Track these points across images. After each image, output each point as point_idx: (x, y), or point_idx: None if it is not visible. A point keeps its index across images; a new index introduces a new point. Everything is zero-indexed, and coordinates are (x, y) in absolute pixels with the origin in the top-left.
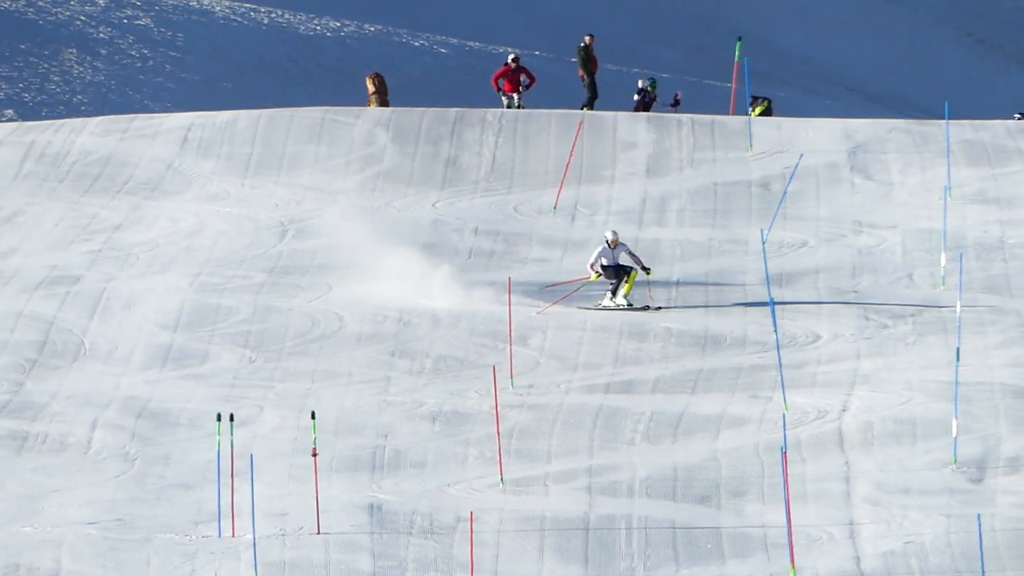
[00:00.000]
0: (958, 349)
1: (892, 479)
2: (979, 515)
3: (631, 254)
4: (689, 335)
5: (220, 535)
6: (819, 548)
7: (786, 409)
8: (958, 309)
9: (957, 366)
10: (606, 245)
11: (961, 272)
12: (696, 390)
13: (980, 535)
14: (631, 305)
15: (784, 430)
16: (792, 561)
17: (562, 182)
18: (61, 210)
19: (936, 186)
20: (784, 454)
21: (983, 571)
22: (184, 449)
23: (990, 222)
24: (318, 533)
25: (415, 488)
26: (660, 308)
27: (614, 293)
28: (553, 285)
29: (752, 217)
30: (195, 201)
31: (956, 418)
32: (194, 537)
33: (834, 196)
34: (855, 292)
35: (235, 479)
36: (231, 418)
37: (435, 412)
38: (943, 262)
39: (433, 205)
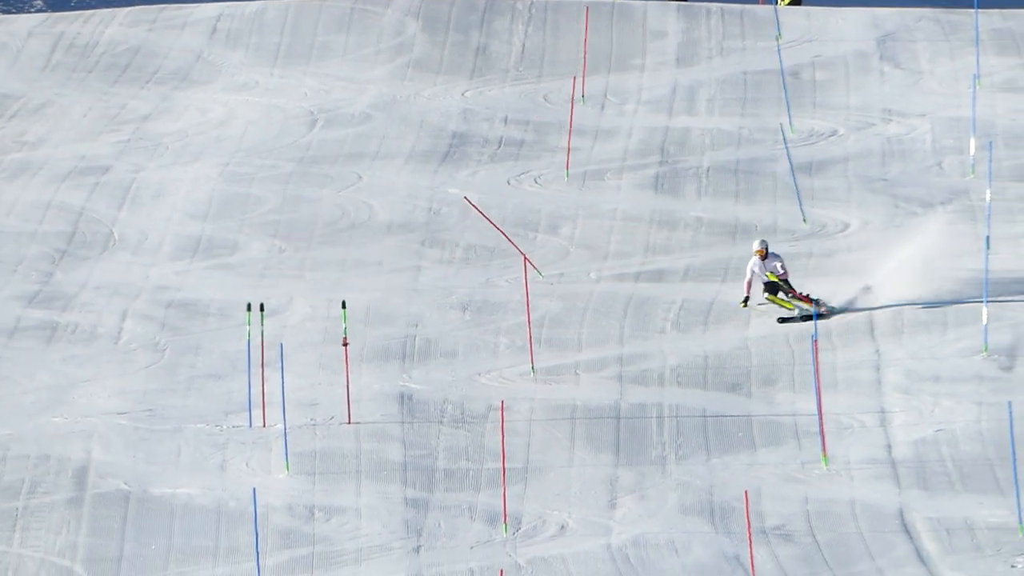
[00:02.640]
0: (988, 237)
1: (923, 367)
2: (1009, 402)
3: (783, 267)
4: (719, 224)
5: (251, 425)
6: (850, 436)
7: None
8: (987, 197)
9: (987, 254)
10: (755, 257)
11: (990, 160)
12: (727, 278)
13: (1011, 422)
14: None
15: (815, 318)
16: (824, 449)
17: (583, 71)
18: (90, 100)
19: (965, 75)
20: (815, 342)
21: (1014, 458)
22: (214, 339)
23: (1019, 110)
24: (349, 423)
25: (446, 377)
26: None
27: (789, 300)
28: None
29: (781, 106)
30: (224, 91)
31: (986, 306)
32: (224, 427)
33: (863, 85)
34: (885, 180)
35: (265, 369)
36: (261, 308)
37: (466, 301)
38: (972, 150)
39: (463, 94)
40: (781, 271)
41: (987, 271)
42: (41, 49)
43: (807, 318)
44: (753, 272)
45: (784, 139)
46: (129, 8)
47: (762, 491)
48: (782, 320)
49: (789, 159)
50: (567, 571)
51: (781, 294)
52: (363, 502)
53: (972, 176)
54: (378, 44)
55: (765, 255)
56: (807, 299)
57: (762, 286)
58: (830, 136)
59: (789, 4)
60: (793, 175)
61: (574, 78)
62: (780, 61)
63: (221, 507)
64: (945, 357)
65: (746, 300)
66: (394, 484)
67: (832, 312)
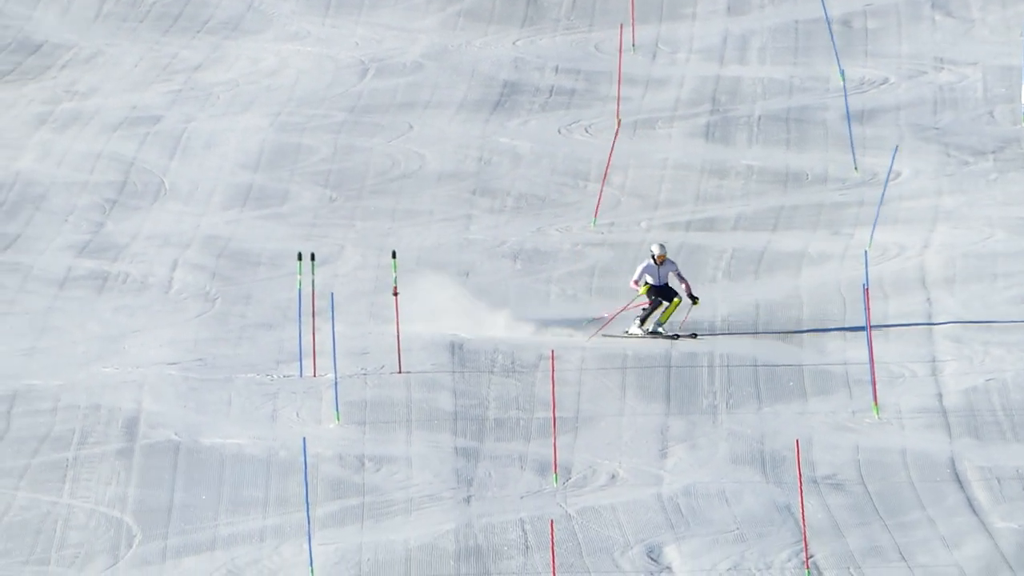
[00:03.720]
0: None
1: (974, 315)
2: None
3: (679, 276)
4: (770, 172)
5: (301, 375)
6: (901, 385)
7: (869, 247)
8: None
9: None
10: (651, 261)
11: None
12: (777, 227)
13: None
14: (661, 333)
15: (866, 266)
16: (875, 398)
17: (633, 20)
18: (141, 50)
19: (1017, 23)
20: (866, 290)
21: None
22: (265, 288)
23: None
24: (399, 372)
25: (497, 326)
26: (695, 335)
27: (643, 320)
28: (598, 318)
29: (833, 54)
30: (275, 41)
31: None
32: (275, 377)
33: (915, 33)
34: (936, 128)
35: (316, 318)
36: (312, 257)
37: (516, 250)
38: None
39: (514, 43)
40: (677, 280)
41: None
42: (91, 0)
43: (674, 337)
44: (646, 277)
45: (844, 85)
46: None
47: (813, 440)
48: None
49: (846, 106)
50: (617, 521)
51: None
52: (413, 451)
53: (1023, 124)
54: None
55: (663, 261)
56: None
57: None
58: (881, 84)
59: None
60: (848, 121)
61: (621, 25)
62: (824, 10)
63: (271, 457)
64: (996, 305)
65: (646, 289)
66: (444, 433)
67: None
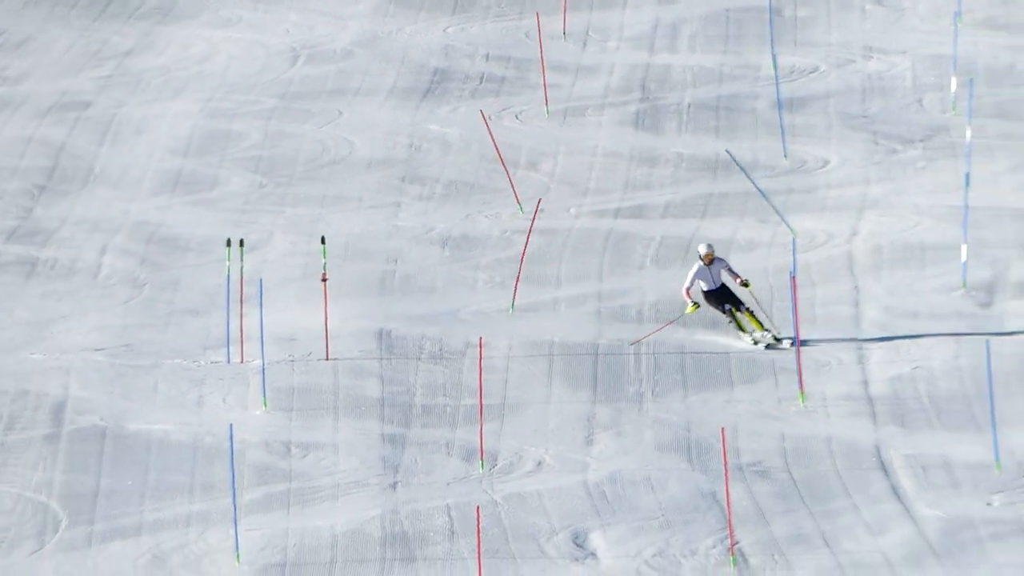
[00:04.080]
0: (967, 174)
1: (901, 303)
2: (988, 340)
3: (731, 271)
4: (700, 159)
5: (229, 361)
6: (828, 373)
7: (795, 234)
8: (968, 134)
9: (966, 191)
10: (700, 263)
11: (971, 97)
12: (706, 214)
13: (989, 359)
14: (776, 339)
15: (794, 254)
16: (801, 386)
17: (565, 8)
18: (72, 36)
19: (947, 12)
20: (793, 278)
21: (991, 395)
22: (193, 274)
23: (1000, 47)
24: (327, 359)
25: (424, 313)
26: (794, 343)
27: (742, 328)
28: (639, 340)
29: (763, 43)
30: (207, 26)
31: (965, 242)
32: (202, 363)
33: (845, 22)
34: (865, 117)
35: (244, 304)
36: (241, 243)
37: (445, 237)
38: (953, 87)
39: (444, 30)
40: (729, 275)
41: (966, 208)
42: None
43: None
44: (699, 283)
45: (776, 72)
46: None
47: (739, 428)
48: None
49: (778, 94)
50: (543, 507)
51: (741, 307)
52: (340, 438)
53: (952, 113)
54: None
55: (712, 260)
56: (756, 319)
57: (708, 295)
58: (811, 73)
59: None
60: (780, 109)
61: (537, 14)
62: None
63: (197, 443)
64: (923, 293)
65: (696, 304)
66: (371, 420)
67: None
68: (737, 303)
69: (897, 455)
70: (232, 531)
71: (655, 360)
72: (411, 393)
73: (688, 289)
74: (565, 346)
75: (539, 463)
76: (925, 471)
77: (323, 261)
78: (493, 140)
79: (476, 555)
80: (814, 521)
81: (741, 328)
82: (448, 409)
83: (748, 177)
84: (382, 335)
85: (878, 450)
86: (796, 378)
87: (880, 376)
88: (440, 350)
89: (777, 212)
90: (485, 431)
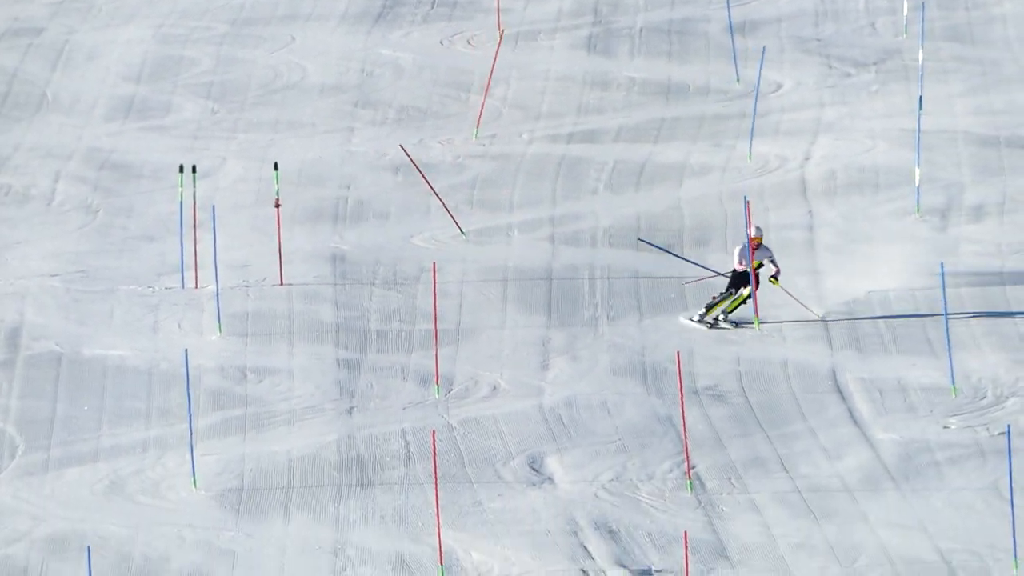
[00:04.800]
0: (921, 97)
1: (855, 228)
2: (942, 263)
3: (773, 261)
4: (653, 84)
5: (183, 287)
6: (783, 295)
7: (750, 158)
8: (921, 57)
9: (920, 114)
10: (745, 244)
11: (923, 20)
12: (659, 139)
13: (943, 282)
14: (732, 323)
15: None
16: (755, 310)
17: None
18: None
19: None
20: (747, 204)
21: (946, 319)
22: (147, 201)
23: None
24: (281, 284)
25: (378, 239)
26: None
27: (708, 309)
28: (694, 281)
29: None
30: None
31: (919, 166)
32: (157, 288)
33: None
34: (818, 40)
35: (198, 230)
36: (193, 169)
37: (398, 162)
38: (906, 10)
39: None
40: (771, 265)
41: (919, 131)
42: None
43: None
44: (739, 260)
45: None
46: None
47: (694, 352)
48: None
49: (729, 17)
50: (499, 431)
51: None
52: (295, 363)
53: (905, 36)
54: None
55: (758, 245)
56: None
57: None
58: None
59: None
60: (732, 33)
61: None
62: None
63: (153, 369)
64: (878, 218)
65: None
66: (326, 345)
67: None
68: (743, 285)
69: (853, 379)
70: (189, 456)
71: (610, 284)
72: (366, 318)
73: (739, 263)
74: (519, 271)
75: (495, 388)
76: (881, 395)
77: (276, 187)
78: (419, 169)
79: (432, 480)
80: (771, 445)
81: (708, 308)
82: (403, 334)
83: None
84: (336, 260)
85: (834, 374)
86: (752, 302)
87: (835, 300)
88: (394, 275)
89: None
90: (440, 356)
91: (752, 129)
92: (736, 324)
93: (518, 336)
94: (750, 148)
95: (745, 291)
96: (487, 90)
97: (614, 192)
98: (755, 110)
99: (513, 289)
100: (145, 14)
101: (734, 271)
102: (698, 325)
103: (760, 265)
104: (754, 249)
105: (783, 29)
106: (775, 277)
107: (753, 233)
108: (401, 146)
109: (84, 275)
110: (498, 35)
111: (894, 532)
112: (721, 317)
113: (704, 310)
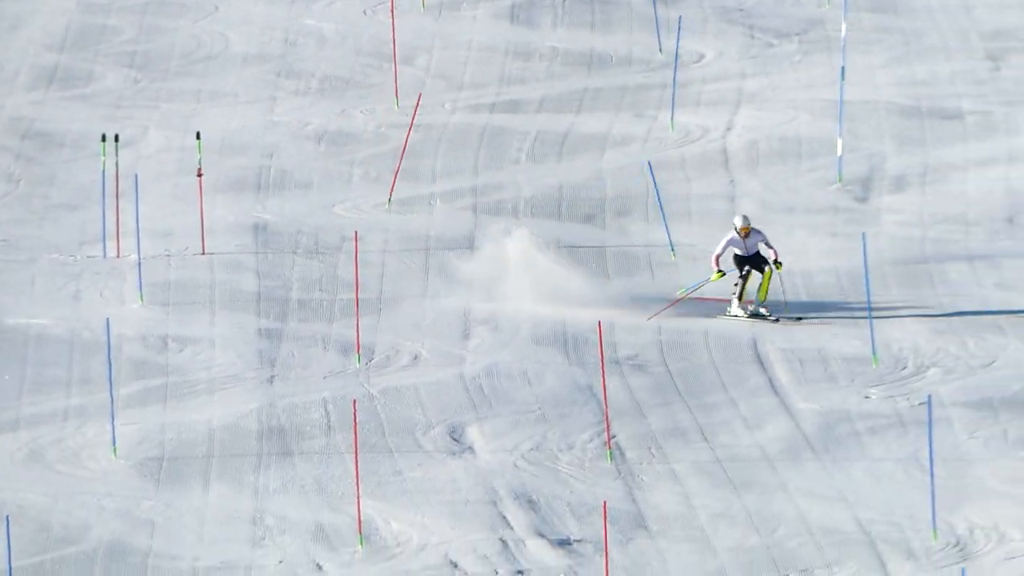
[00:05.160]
0: (843, 68)
1: (777, 198)
2: (864, 233)
3: (768, 244)
4: (575, 54)
5: (105, 255)
6: (703, 266)
7: (672, 128)
8: (843, 28)
9: (842, 85)
10: (735, 234)
11: None
12: (581, 109)
13: (865, 253)
14: (764, 316)
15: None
16: (678, 280)
17: None
18: None
19: None
20: (651, 166)
21: (868, 289)
22: (69, 170)
23: None
24: (203, 253)
25: (300, 208)
26: (800, 319)
27: (740, 296)
28: (660, 311)
29: None
30: None
31: (841, 137)
32: (79, 257)
33: None
34: (741, 10)
35: (120, 199)
36: (116, 138)
37: (320, 132)
38: None
39: None
40: (767, 249)
41: (842, 102)
42: None
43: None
44: (732, 249)
45: None
46: None
47: (615, 322)
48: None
49: None
50: (420, 401)
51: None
52: (217, 332)
53: (828, 7)
54: None
55: (748, 234)
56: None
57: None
58: None
59: None
60: (655, 2)
61: None
62: None
63: (75, 337)
64: (799, 188)
65: (722, 272)
66: (248, 314)
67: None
68: (761, 268)
69: (774, 348)
70: (109, 425)
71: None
72: (287, 287)
73: (718, 256)
74: (441, 240)
75: (415, 357)
76: (802, 365)
77: (199, 156)
78: None
79: (353, 449)
80: (691, 415)
81: (739, 297)
82: (324, 303)
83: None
84: (258, 230)
85: (755, 344)
86: (672, 272)
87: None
88: (316, 245)
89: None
90: (361, 325)
91: (673, 100)
92: (777, 319)
93: (439, 306)
94: (672, 119)
95: (765, 273)
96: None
97: (536, 162)
98: (675, 80)
99: (434, 258)
100: None
101: (736, 257)
102: (739, 313)
103: (778, 264)
104: (745, 237)
105: (706, 0)
106: (778, 262)
107: (740, 224)
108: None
109: (6, 244)
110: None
111: (814, 502)
112: (752, 309)
113: (734, 304)
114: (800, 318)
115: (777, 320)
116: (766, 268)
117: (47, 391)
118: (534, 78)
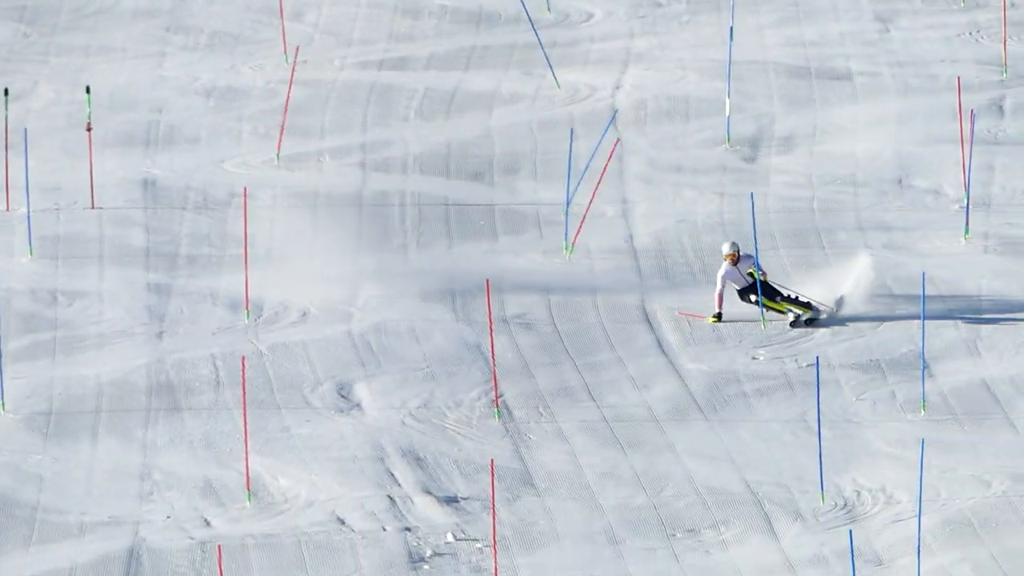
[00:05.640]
0: (732, 28)
1: (665, 157)
2: (752, 193)
3: (757, 266)
4: (464, 12)
5: None
6: (592, 225)
7: (558, 87)
8: None
9: (731, 45)
10: (726, 264)
11: None
12: (470, 67)
13: (753, 213)
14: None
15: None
16: (567, 238)
17: None
18: None
19: None
20: (568, 130)
21: (756, 249)
22: None
23: None
24: (92, 208)
25: (189, 163)
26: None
27: (799, 306)
28: (687, 314)
29: None
30: None
31: (729, 97)
32: None
33: None
34: None
35: (9, 153)
36: (5, 92)
37: (210, 87)
38: None
39: None
40: (761, 271)
41: (730, 62)
42: None
43: (809, 321)
44: (731, 284)
45: None
46: None
47: (503, 280)
48: (794, 324)
49: None
50: (308, 357)
51: (777, 297)
52: (106, 287)
53: None
54: None
55: (737, 259)
56: (799, 303)
57: (742, 293)
58: None
59: None
60: None
61: None
62: None
63: None
64: (687, 148)
65: (719, 315)
66: (137, 269)
67: (828, 312)
68: (771, 294)
69: (662, 308)
70: None
71: (420, 211)
72: (176, 243)
73: (721, 292)
74: (330, 197)
75: (304, 313)
76: (690, 325)
77: (88, 111)
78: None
79: (241, 405)
80: (579, 374)
81: (795, 313)
82: (213, 259)
83: None
84: (147, 185)
85: (643, 303)
86: (561, 231)
87: (644, 229)
88: (205, 200)
89: None
90: (251, 281)
91: (548, 59)
92: (806, 322)
93: (328, 262)
94: (555, 77)
95: (773, 297)
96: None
97: (425, 119)
98: (536, 39)
99: (324, 215)
100: None
101: (739, 291)
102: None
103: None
104: (735, 263)
105: None
106: (762, 272)
107: (728, 250)
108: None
109: None
110: None
111: (701, 462)
112: (797, 316)
113: (801, 311)
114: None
115: (816, 314)
116: (779, 299)
117: None
118: (423, 35)
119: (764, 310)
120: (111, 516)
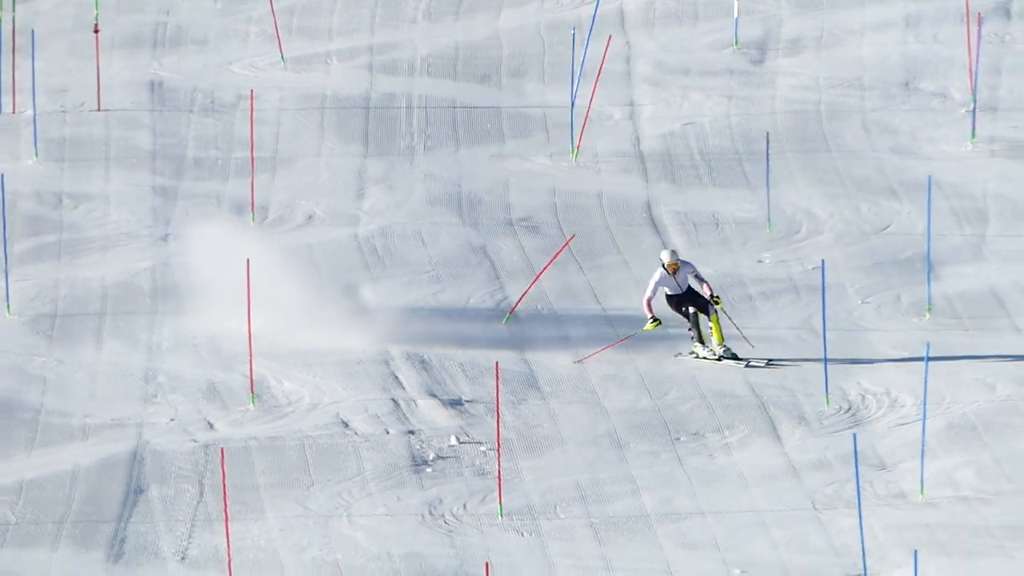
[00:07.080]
0: None
1: (673, 59)
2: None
3: (698, 276)
4: None
5: (1, 112)
6: (599, 127)
7: None
8: None
9: None
10: (663, 271)
11: None
12: None
13: (761, 117)
14: (735, 356)
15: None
16: (572, 141)
17: None
18: None
19: None
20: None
21: (768, 155)
22: None
23: None
24: (98, 110)
25: (196, 65)
26: (771, 363)
27: (701, 339)
28: (587, 357)
29: None
30: None
31: None
32: None
33: None
34: None
35: (16, 55)
36: None
37: None
38: None
39: None
40: (697, 282)
41: None
42: None
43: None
44: (663, 289)
45: None
46: None
47: (510, 183)
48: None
49: None
50: (314, 260)
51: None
52: (111, 189)
53: None
54: None
55: (677, 268)
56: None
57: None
58: None
59: None
60: None
61: None
62: None
63: None
64: (695, 50)
65: (654, 325)
66: (143, 172)
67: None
68: (705, 307)
69: (667, 211)
70: (3, 282)
71: (427, 114)
72: (183, 145)
73: (650, 300)
74: (337, 99)
75: (310, 216)
76: (696, 228)
77: (95, 12)
78: None
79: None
80: (584, 276)
81: (700, 339)
82: (219, 162)
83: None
84: (154, 87)
85: (649, 206)
86: (567, 133)
87: (651, 132)
88: (212, 102)
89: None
90: (256, 184)
91: None
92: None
93: (334, 165)
94: None
95: (711, 316)
96: None
97: (433, 21)
98: None
99: (330, 117)
100: None
101: (670, 298)
102: (710, 356)
103: (716, 300)
104: (674, 273)
105: None
106: (716, 298)
107: (667, 260)
108: None
109: None
110: None
111: (705, 365)
112: (721, 352)
113: (698, 346)
114: (771, 361)
115: (748, 365)
116: (711, 311)
117: None
118: None
119: (691, 326)
120: (115, 419)
